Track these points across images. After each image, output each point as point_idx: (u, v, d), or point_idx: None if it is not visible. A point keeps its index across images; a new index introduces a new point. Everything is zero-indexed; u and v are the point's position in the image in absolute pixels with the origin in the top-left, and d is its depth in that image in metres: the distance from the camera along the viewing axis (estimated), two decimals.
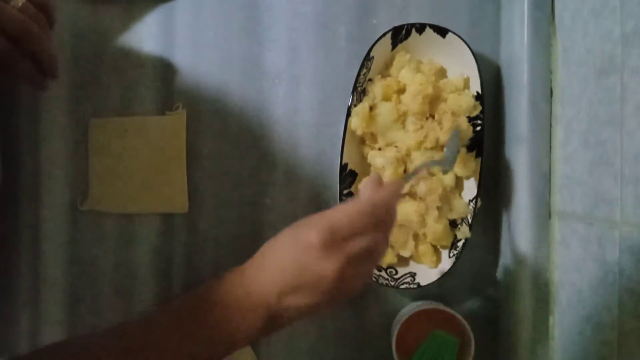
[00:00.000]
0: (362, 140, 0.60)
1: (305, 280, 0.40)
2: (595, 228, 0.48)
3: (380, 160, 0.57)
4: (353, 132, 0.58)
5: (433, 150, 0.58)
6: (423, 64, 0.58)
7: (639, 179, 0.42)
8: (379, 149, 0.59)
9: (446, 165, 0.55)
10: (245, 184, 0.62)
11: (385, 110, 0.57)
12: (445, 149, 0.55)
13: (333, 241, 0.40)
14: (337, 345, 0.62)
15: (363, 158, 0.60)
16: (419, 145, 0.57)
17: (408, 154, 0.58)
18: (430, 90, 0.56)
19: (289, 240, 0.42)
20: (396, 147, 0.58)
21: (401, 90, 0.58)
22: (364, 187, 0.45)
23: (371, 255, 0.42)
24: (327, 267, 0.40)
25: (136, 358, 0.41)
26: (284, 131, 0.62)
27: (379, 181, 0.45)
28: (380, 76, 0.59)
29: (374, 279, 0.57)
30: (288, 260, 0.41)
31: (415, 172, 0.51)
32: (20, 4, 0.47)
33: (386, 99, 0.58)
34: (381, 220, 0.42)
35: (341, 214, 0.41)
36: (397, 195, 0.44)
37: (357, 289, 0.42)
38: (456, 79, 0.58)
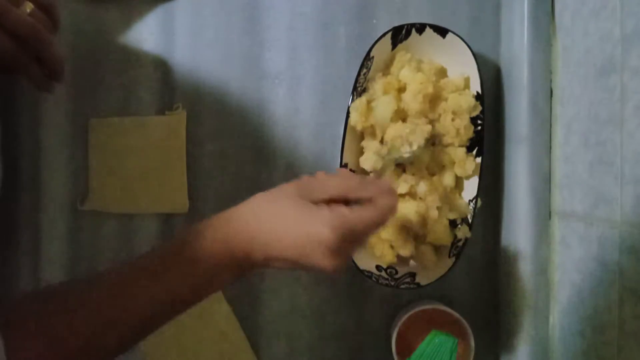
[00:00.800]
0: (362, 137, 0.60)
1: (302, 263, 0.42)
2: (595, 228, 0.48)
3: (379, 160, 0.57)
4: (353, 132, 0.58)
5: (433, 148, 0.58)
6: (424, 63, 0.58)
7: (639, 179, 0.42)
8: (380, 141, 0.58)
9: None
10: (245, 184, 0.62)
11: (385, 102, 0.56)
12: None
13: (343, 245, 0.42)
14: (337, 345, 0.62)
15: None
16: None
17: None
18: (430, 89, 0.56)
19: (296, 220, 0.42)
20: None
21: (401, 89, 0.58)
22: (379, 191, 0.45)
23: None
24: (329, 263, 0.42)
25: (110, 307, 0.41)
26: (284, 131, 0.62)
27: (392, 190, 0.45)
28: (381, 74, 0.59)
29: (374, 279, 0.57)
30: (290, 240, 0.42)
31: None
32: (29, 10, 0.49)
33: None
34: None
35: (360, 222, 0.42)
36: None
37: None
38: (457, 78, 0.58)
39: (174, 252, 0.43)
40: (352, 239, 0.42)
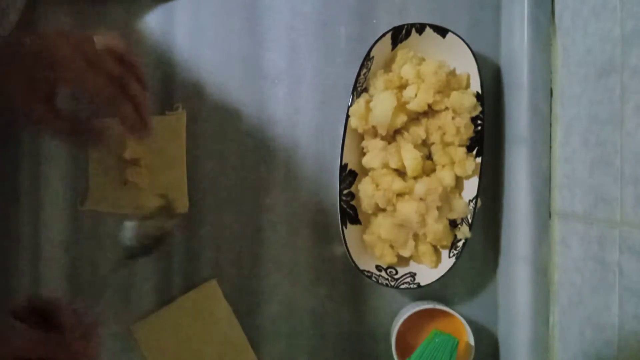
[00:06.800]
0: (362, 138, 0.60)
1: None
2: (595, 228, 0.48)
3: (382, 155, 0.57)
4: (354, 131, 0.58)
5: (433, 147, 0.58)
6: (426, 60, 0.58)
7: (639, 179, 0.42)
8: (382, 138, 0.58)
9: None
10: (245, 184, 0.62)
11: (384, 98, 0.56)
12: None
13: None
14: (337, 345, 0.62)
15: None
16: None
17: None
18: (444, 78, 0.55)
19: None
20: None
21: (402, 86, 0.58)
22: None
23: None
24: None
25: None
26: (284, 131, 0.62)
27: None
28: (382, 71, 0.59)
29: (374, 279, 0.57)
30: None
31: None
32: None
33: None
34: None
35: None
36: None
37: None
38: (461, 74, 0.58)
39: None
40: None
